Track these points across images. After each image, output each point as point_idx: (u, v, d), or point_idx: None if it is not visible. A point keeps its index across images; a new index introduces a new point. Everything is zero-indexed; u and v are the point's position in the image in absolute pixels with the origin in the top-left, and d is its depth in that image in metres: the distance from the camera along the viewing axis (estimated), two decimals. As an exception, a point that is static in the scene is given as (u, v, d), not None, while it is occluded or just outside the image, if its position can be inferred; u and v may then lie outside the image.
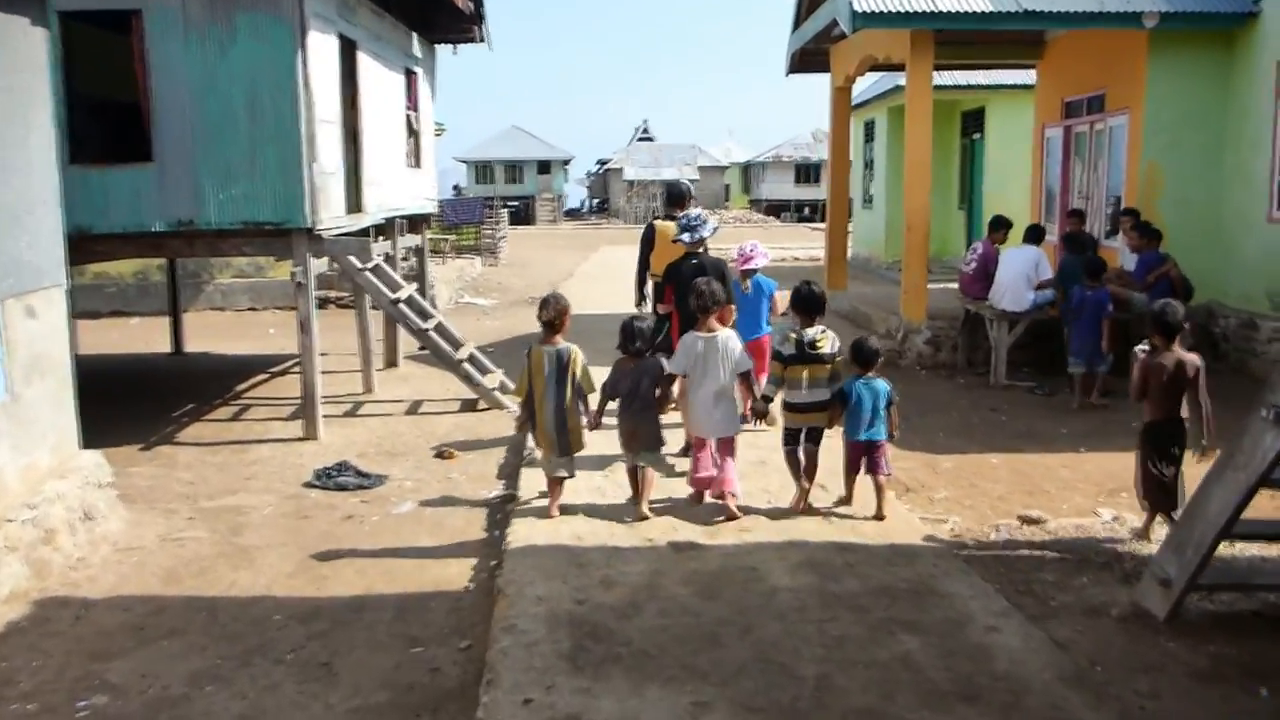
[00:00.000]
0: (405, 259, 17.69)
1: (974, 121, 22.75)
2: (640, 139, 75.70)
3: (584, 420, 7.01)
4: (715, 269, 7.78)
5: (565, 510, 6.91)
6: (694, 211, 8.30)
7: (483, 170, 69.64)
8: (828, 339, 6.83)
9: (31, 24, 6.81)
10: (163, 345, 15.04)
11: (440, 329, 11.10)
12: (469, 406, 10.81)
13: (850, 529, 6.44)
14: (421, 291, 14.71)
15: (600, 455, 7.86)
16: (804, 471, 6.87)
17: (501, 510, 7.50)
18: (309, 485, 8.35)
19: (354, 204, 11.07)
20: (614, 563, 5.93)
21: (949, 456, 8.65)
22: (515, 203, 62.78)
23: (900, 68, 16.42)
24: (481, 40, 15.00)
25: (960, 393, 11.27)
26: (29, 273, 6.69)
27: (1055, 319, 11.44)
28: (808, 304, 6.99)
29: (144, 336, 16.53)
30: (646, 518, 6.67)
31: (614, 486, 7.44)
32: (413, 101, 13.67)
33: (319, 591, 6.19)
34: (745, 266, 8.98)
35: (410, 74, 13.53)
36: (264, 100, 9.24)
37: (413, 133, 13.71)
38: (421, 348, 11.20)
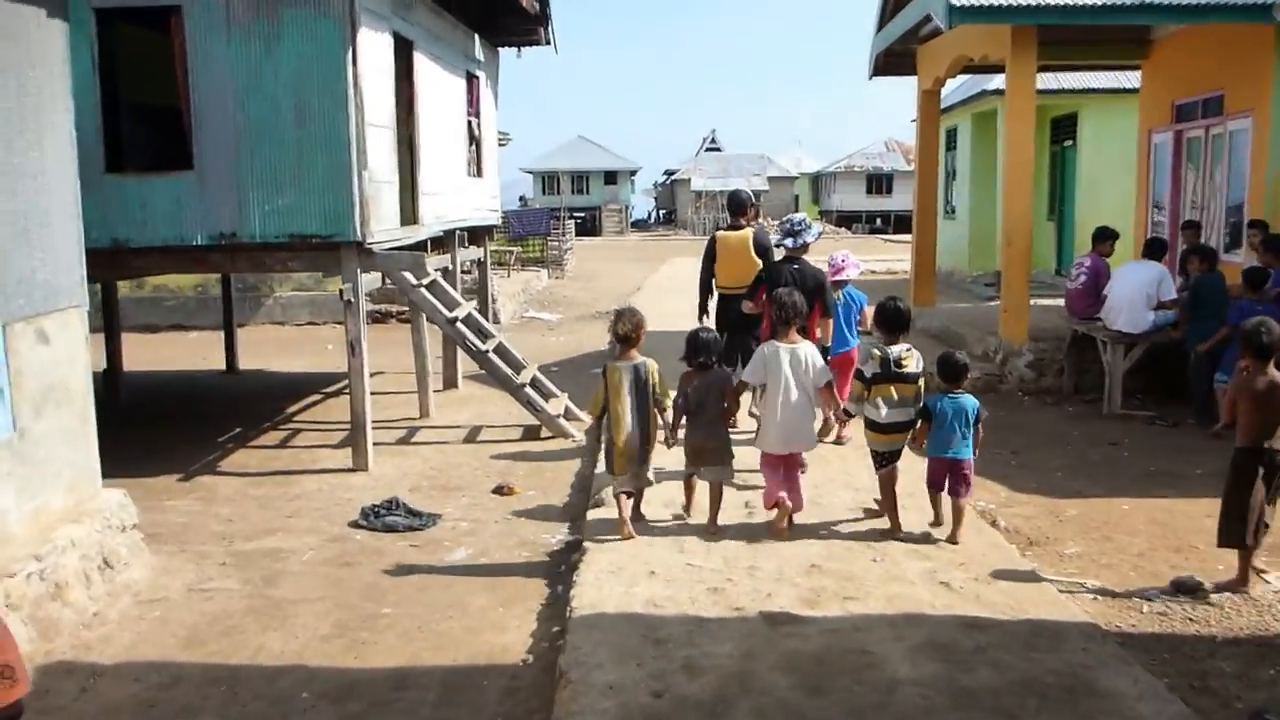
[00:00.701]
0: (467, 272, 17.05)
1: (1065, 128, 21.52)
2: (708, 149, 74.77)
3: (660, 435, 6.69)
4: (815, 279, 7.64)
5: (638, 540, 6.06)
6: (798, 215, 8.14)
7: (549, 181, 69.21)
8: (913, 357, 6.51)
9: (48, 16, 6.12)
10: (219, 362, 14.46)
11: (500, 350, 10.30)
12: (531, 434, 9.99)
13: (975, 598, 5.44)
14: (483, 307, 13.99)
15: (669, 483, 7.06)
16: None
17: (566, 560, 6.64)
18: (355, 525, 7.57)
19: (409, 215, 10.34)
20: (698, 639, 5.00)
21: (1072, 501, 7.61)
22: (581, 214, 62.23)
23: (995, 69, 15.42)
24: (547, 43, 14.24)
25: (1071, 423, 10.18)
26: (41, 293, 5.99)
27: (1176, 342, 10.33)
28: (893, 321, 6.60)
29: (201, 352, 15.98)
30: (715, 533, 6.46)
31: (693, 540, 6.54)
32: (474, 107, 12.92)
33: (356, 661, 5.37)
34: (837, 277, 8.59)
35: (472, 78, 12.79)
36: (312, 103, 8.52)
37: (474, 140, 12.96)
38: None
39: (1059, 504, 7.56)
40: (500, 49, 14.36)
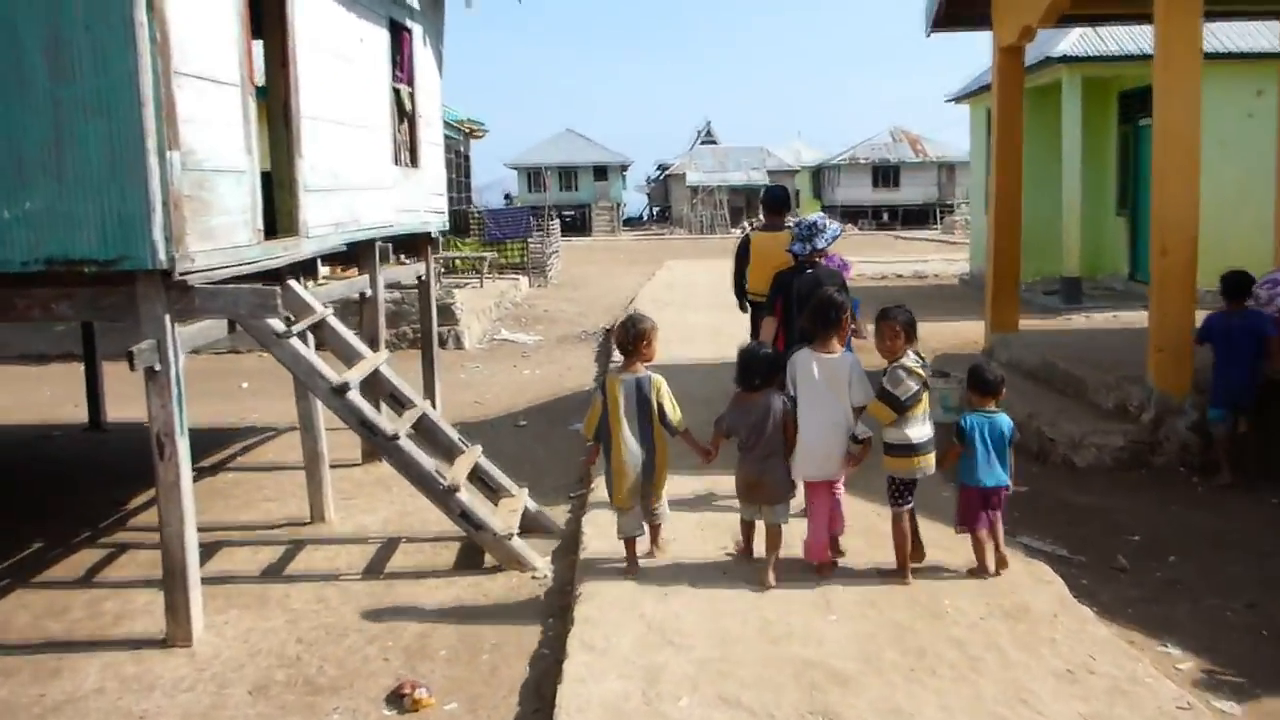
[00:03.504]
0: (413, 288, 13.51)
1: (1137, 104, 18.03)
2: (703, 142, 71.11)
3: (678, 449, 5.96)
4: (832, 279, 6.61)
5: None
6: (812, 217, 7.03)
7: (535, 177, 65.48)
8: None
9: None
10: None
11: (424, 427, 6.79)
12: (470, 560, 6.48)
13: None
14: (426, 340, 10.51)
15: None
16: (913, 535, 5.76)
17: None
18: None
19: (286, 221, 6.81)
20: None
21: None
22: (570, 212, 58.66)
23: (1116, 15, 11.88)
24: (509, -12, 10.68)
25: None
26: None
27: None
28: (909, 328, 5.67)
29: (82, 393, 12.43)
30: (771, 587, 5.51)
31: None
32: (405, 70, 9.38)
33: None
34: None
35: (400, 30, 9.25)
36: (76, 41, 4.97)
37: (405, 116, 9.42)
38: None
39: None
40: (446, -2, 10.83)
